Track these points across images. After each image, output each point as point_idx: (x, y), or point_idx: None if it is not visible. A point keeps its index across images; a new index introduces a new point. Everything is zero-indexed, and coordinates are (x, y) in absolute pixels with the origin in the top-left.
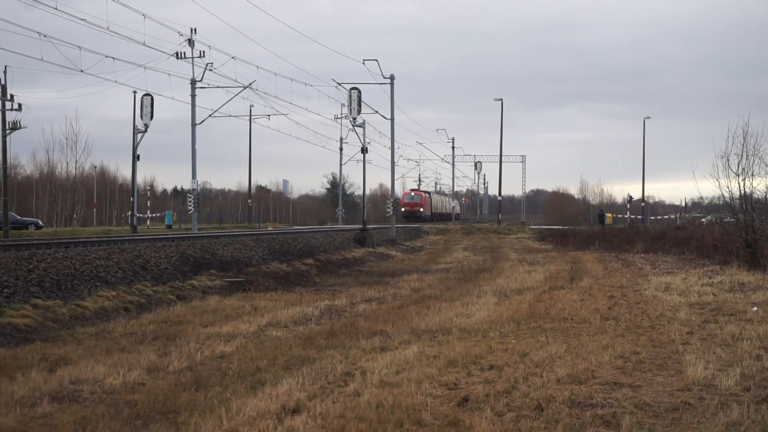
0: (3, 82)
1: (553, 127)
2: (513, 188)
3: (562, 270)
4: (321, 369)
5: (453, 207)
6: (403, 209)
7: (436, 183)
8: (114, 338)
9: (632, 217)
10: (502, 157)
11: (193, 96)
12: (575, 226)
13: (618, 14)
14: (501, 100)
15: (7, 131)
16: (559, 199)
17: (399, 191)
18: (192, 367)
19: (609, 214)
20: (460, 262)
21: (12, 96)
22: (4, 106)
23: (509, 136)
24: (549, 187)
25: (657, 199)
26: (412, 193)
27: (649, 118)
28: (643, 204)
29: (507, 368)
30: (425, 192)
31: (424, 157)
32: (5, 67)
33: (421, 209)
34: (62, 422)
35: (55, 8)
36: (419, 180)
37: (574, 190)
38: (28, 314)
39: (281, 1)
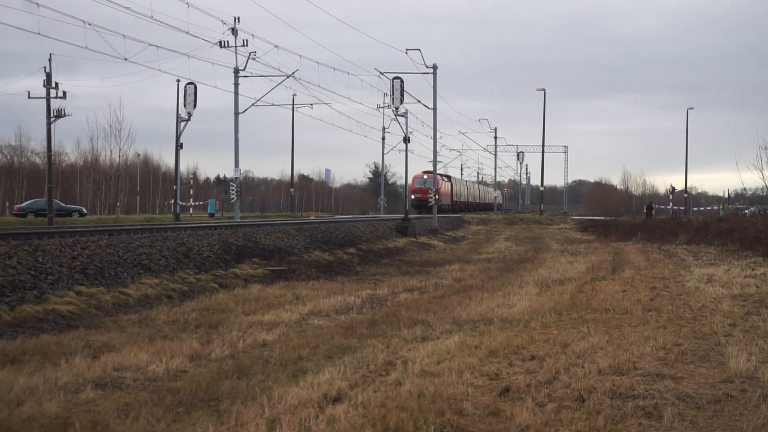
0: (48, 70)
1: (595, 117)
2: (555, 178)
3: (604, 261)
4: (362, 358)
5: (495, 197)
6: (413, 196)
7: (478, 173)
8: (157, 326)
9: (675, 208)
10: (545, 147)
11: (236, 85)
12: (617, 217)
13: (658, 4)
14: (544, 90)
15: (52, 119)
16: (602, 189)
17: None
18: (234, 355)
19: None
20: (501, 253)
21: (57, 84)
22: (48, 93)
23: (552, 126)
24: (591, 178)
25: (700, 190)
26: (425, 177)
27: (692, 108)
28: (685, 195)
29: (548, 359)
30: (443, 176)
31: (466, 147)
32: (50, 55)
33: (436, 197)
34: (105, 408)
35: None
36: (461, 169)
37: (616, 181)
38: (72, 301)
39: None
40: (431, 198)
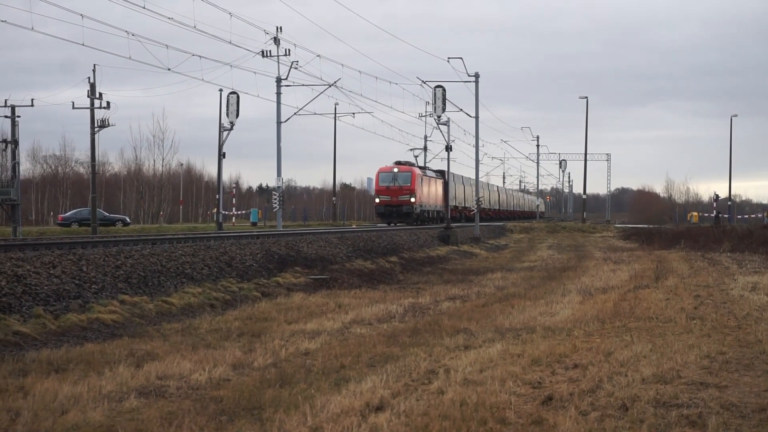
0: (92, 81)
1: (638, 125)
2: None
3: (647, 269)
4: (405, 366)
5: (537, 205)
6: (377, 199)
7: (520, 181)
8: (199, 334)
9: (719, 215)
10: (587, 155)
11: (278, 94)
12: (661, 225)
13: (698, 12)
14: (586, 98)
15: (96, 129)
16: (645, 197)
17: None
18: (276, 364)
19: (695, 213)
20: (544, 261)
21: (101, 94)
22: (92, 104)
23: (594, 134)
24: (634, 186)
25: (744, 198)
26: (395, 170)
27: (736, 115)
28: (729, 203)
29: (591, 367)
30: (428, 170)
31: (508, 155)
32: (94, 65)
33: (411, 200)
34: (149, 417)
35: (143, 7)
36: (503, 177)
37: (659, 189)
38: (115, 310)
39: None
40: (409, 201)
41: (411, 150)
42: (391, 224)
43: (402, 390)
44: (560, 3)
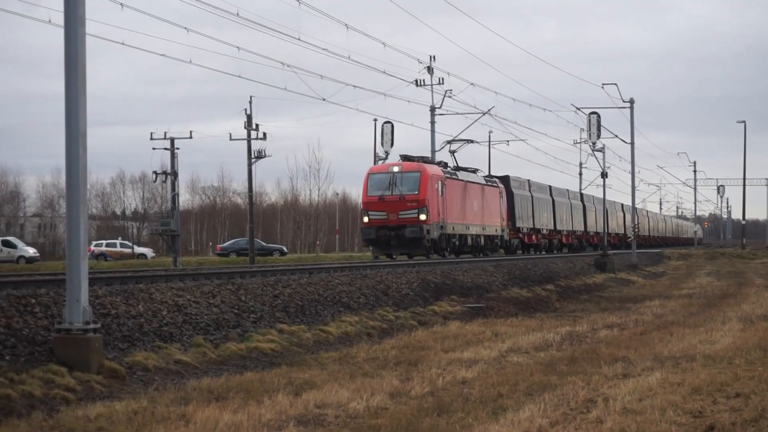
0: (248, 112)
1: None
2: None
3: None
4: (563, 395)
5: (695, 231)
6: (365, 218)
7: (677, 207)
8: (357, 363)
9: None
10: (746, 180)
11: (432, 122)
12: None
13: None
14: (744, 122)
15: (253, 160)
16: None
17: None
18: (434, 392)
19: None
20: (703, 288)
21: (257, 125)
22: (249, 135)
23: (752, 159)
24: None
25: None
26: (395, 169)
27: None
28: None
29: (754, 396)
30: (459, 170)
31: (664, 181)
32: (250, 97)
33: (421, 217)
34: None
35: (298, 38)
36: (660, 204)
37: None
38: (273, 339)
39: (509, 28)
40: (416, 220)
41: (448, 143)
42: (393, 252)
43: (560, 419)
44: (705, 28)
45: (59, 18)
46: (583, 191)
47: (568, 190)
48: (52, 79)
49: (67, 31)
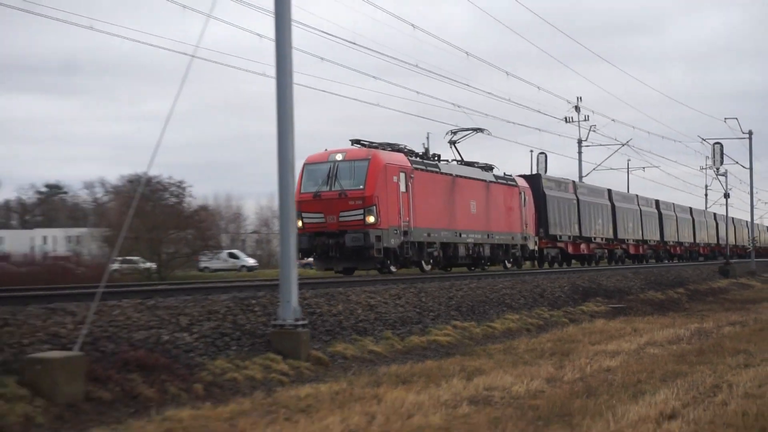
0: (426, 146)
1: None
2: None
3: None
4: (692, 382)
5: None
6: (299, 222)
7: None
8: (518, 353)
9: None
10: None
11: (579, 153)
12: None
13: None
14: None
15: None
16: None
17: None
18: (583, 378)
19: None
20: None
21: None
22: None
23: None
24: None
25: None
26: (338, 157)
27: None
28: None
29: None
30: (411, 155)
31: None
32: (427, 134)
33: (369, 219)
34: (478, 421)
35: (467, 84)
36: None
37: None
38: (449, 333)
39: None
40: (361, 223)
41: (450, 133)
42: (337, 269)
43: (691, 401)
44: None
45: (272, 71)
46: (692, 207)
47: (658, 200)
48: (265, 121)
49: (278, 82)
